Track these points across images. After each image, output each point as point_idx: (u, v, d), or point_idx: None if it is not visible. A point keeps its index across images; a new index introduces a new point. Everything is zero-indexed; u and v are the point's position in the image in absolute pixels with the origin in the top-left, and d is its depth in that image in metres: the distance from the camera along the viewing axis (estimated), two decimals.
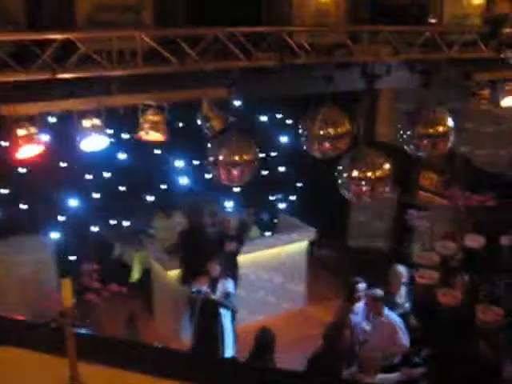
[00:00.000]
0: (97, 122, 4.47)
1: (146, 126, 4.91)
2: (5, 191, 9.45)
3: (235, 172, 5.34)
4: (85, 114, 4.46)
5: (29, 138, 4.30)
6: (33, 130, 4.27)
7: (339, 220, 11.56)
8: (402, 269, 7.70)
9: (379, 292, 7.22)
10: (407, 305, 7.63)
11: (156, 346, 5.66)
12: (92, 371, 2.78)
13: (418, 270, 7.81)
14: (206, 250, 8.20)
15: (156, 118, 4.92)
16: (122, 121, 5.13)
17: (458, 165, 10.48)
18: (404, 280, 7.66)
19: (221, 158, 5.21)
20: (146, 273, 9.66)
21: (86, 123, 4.47)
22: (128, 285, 9.43)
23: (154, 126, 4.90)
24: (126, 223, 10.46)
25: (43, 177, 9.24)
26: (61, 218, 9.82)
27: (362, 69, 5.93)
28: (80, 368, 2.63)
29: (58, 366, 2.72)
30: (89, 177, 9.92)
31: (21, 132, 4.24)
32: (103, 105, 4.47)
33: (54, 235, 9.68)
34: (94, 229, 10.09)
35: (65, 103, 4.29)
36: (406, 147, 6.46)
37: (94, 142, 4.63)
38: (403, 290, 7.69)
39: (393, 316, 7.15)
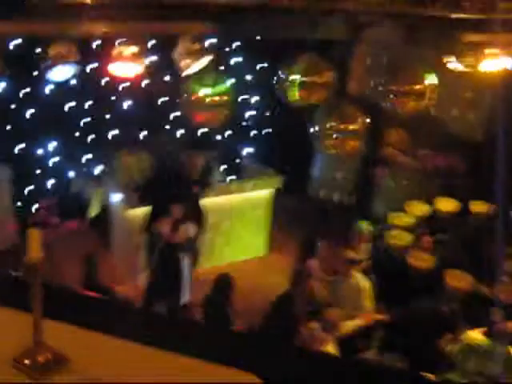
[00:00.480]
0: (64, 50, 4.14)
1: (120, 57, 4.62)
2: None
3: (208, 113, 5.14)
4: (52, 41, 4.13)
5: None
6: None
7: (303, 169, 11.46)
8: (365, 225, 7.66)
9: (352, 254, 7.18)
10: (367, 262, 7.61)
11: (125, 305, 5.49)
12: (57, 329, 2.60)
13: (390, 230, 7.72)
14: (168, 192, 8.01)
15: (132, 51, 4.62)
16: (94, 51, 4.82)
17: (429, 125, 10.40)
18: (366, 237, 7.63)
19: (193, 98, 4.98)
20: (106, 209, 9.41)
21: (53, 51, 4.13)
22: (86, 221, 9.29)
23: (128, 60, 4.62)
24: (86, 157, 10.11)
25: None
26: (17, 148, 9.44)
27: (347, 17, 5.72)
28: (45, 325, 2.45)
29: (20, 322, 2.53)
30: (50, 107, 9.47)
31: None
32: (78, 32, 4.17)
33: (10, 166, 9.33)
34: (53, 161, 9.75)
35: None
36: (381, 103, 6.33)
37: (60, 71, 4.32)
38: (364, 246, 7.66)
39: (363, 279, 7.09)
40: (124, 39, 4.51)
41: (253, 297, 8.53)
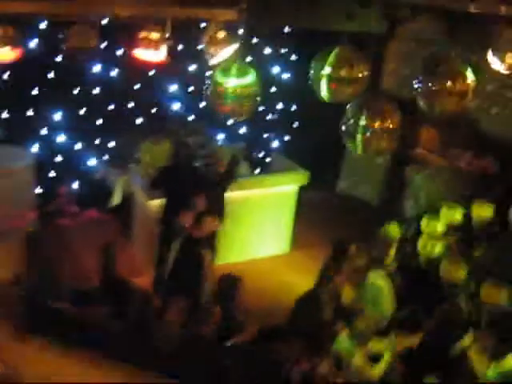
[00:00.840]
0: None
1: (143, 43, 4.38)
2: None
3: (234, 105, 4.89)
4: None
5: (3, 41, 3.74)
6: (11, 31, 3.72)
7: (332, 166, 11.20)
8: (394, 228, 7.37)
9: (360, 261, 6.92)
10: (394, 264, 7.33)
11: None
12: None
13: (420, 236, 7.40)
14: (191, 185, 7.80)
15: (154, 36, 4.38)
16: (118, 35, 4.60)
17: (463, 125, 10.04)
18: (395, 240, 7.34)
19: (220, 89, 4.74)
20: (128, 198, 9.24)
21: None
22: (107, 210, 9.12)
23: (152, 45, 4.38)
24: (111, 144, 9.95)
25: (25, 86, 8.73)
26: (42, 132, 9.32)
27: (385, 9, 5.43)
28: None
29: None
30: (76, 91, 9.31)
31: None
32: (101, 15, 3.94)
33: (34, 148, 9.24)
34: (77, 147, 9.61)
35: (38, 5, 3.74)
36: (417, 100, 6.01)
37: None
38: (392, 249, 7.38)
39: (380, 282, 6.83)
40: (149, 24, 4.29)
41: (273, 295, 8.33)
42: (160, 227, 7.96)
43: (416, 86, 5.84)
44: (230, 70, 4.74)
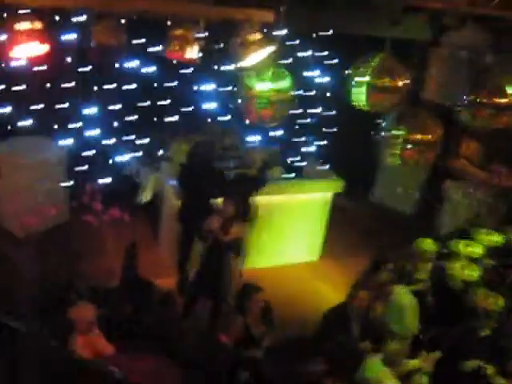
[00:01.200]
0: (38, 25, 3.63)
1: (175, 42, 4.21)
2: (17, 88, 8.84)
3: (267, 110, 4.71)
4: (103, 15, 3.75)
5: (32, 34, 3.60)
6: (38, 25, 3.57)
7: (368, 174, 10.94)
8: (429, 244, 7.07)
9: (382, 275, 6.66)
10: (428, 283, 7.04)
11: None
12: None
13: (454, 258, 7.09)
14: (209, 185, 7.63)
15: (187, 35, 4.20)
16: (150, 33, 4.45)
17: (505, 138, 9.68)
18: (430, 256, 7.05)
19: (254, 93, 4.55)
20: (158, 197, 9.13)
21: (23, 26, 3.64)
22: (136, 206, 9.03)
23: (183, 44, 4.20)
24: (144, 141, 9.85)
25: (60, 79, 8.68)
26: (74, 125, 9.26)
27: (431, 17, 5.17)
28: None
29: None
30: (110, 87, 9.24)
31: (22, 26, 3.54)
32: (130, 8, 3.78)
33: (66, 141, 9.19)
34: (110, 142, 9.53)
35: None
36: (460, 114, 5.76)
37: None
38: (427, 265, 7.09)
39: (403, 298, 6.57)
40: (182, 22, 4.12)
41: (299, 304, 8.13)
42: (178, 227, 7.83)
43: (459, 98, 5.62)
44: (264, 73, 4.54)
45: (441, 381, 5.68)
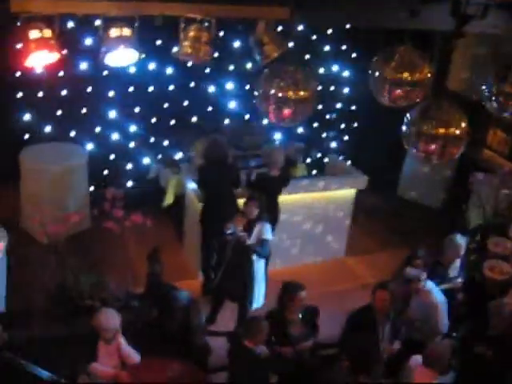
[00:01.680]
0: (127, 32, 3.67)
1: (187, 43, 4.11)
2: (40, 95, 8.86)
3: (287, 110, 4.58)
4: (113, 22, 3.67)
5: (42, 43, 3.53)
6: (48, 33, 3.50)
7: (392, 169, 10.76)
8: (460, 240, 6.86)
9: (410, 272, 6.48)
10: (459, 279, 6.87)
11: None
12: None
13: (489, 260, 6.85)
14: (227, 184, 7.57)
15: (199, 35, 4.09)
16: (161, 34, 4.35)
17: None
18: (461, 253, 6.87)
19: (272, 92, 4.43)
20: (181, 199, 9.07)
21: (114, 33, 3.66)
22: (159, 210, 8.99)
23: (196, 45, 4.10)
24: (165, 143, 9.82)
25: (80, 85, 8.67)
26: (97, 130, 9.26)
27: (453, 6, 4.99)
28: None
29: None
30: (130, 90, 9.21)
31: (33, 35, 3.47)
32: (140, 12, 3.69)
33: (89, 146, 9.20)
34: (131, 145, 9.51)
35: (91, 5, 3.50)
36: (487, 104, 5.59)
37: (121, 55, 3.86)
38: (458, 262, 6.92)
39: (435, 297, 6.41)
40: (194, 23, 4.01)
41: (326, 303, 7.98)
42: (201, 228, 7.75)
43: (485, 88, 5.45)
44: (281, 72, 4.43)
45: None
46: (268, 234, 6.91)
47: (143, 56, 4.20)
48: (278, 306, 6.07)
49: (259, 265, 7.08)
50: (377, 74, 4.81)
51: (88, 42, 7.62)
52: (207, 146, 7.85)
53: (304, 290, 6.01)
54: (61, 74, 8.46)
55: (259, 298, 7.20)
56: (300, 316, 6.05)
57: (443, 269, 6.80)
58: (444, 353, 5.37)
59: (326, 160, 10.07)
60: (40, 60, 3.62)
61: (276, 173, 7.79)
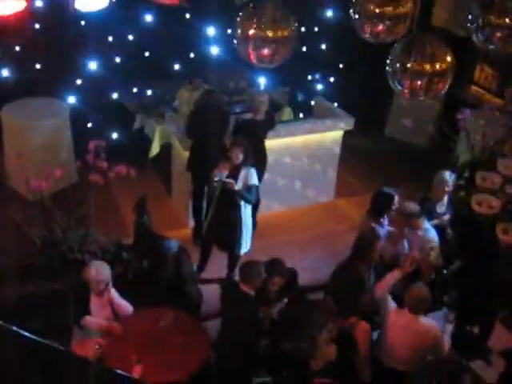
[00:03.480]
0: None
1: None
2: (16, 49, 8.63)
3: (267, 50, 4.46)
4: None
5: None
6: None
7: (379, 108, 10.65)
8: (448, 175, 6.84)
9: (412, 207, 6.47)
10: (447, 216, 6.88)
11: None
12: None
13: (476, 194, 6.82)
14: (220, 130, 7.45)
15: None
16: None
17: None
18: (449, 189, 6.86)
19: (251, 32, 4.30)
20: (167, 148, 8.96)
21: None
22: (146, 160, 8.91)
23: None
24: (148, 92, 9.64)
25: (58, 35, 8.44)
26: (78, 82, 9.06)
27: None
28: None
29: None
30: (110, 38, 8.99)
31: None
32: None
33: (71, 99, 9.03)
34: (114, 96, 9.33)
35: None
36: (474, 37, 5.45)
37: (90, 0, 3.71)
38: (445, 199, 6.91)
39: (431, 233, 6.43)
40: None
41: (315, 246, 8.03)
42: (189, 177, 7.70)
43: (471, 19, 5.30)
44: (259, 11, 4.29)
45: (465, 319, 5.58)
46: (254, 179, 6.85)
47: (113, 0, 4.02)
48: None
49: (247, 210, 7.03)
50: (357, 9, 4.66)
51: None
52: (204, 94, 7.73)
53: (279, 276, 5.87)
54: (35, 25, 8.22)
55: (247, 242, 7.17)
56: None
57: (431, 204, 6.79)
58: (424, 295, 5.42)
59: (312, 103, 9.94)
60: (6, 8, 3.48)
61: (261, 117, 7.68)
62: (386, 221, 6.75)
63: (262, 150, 7.84)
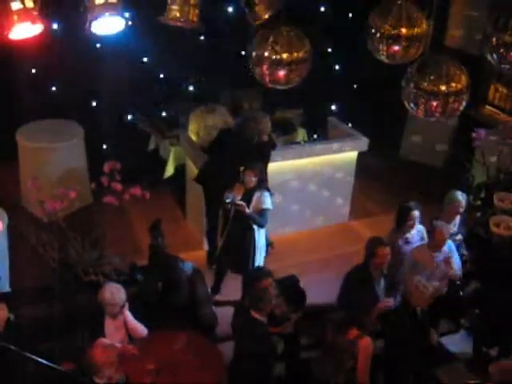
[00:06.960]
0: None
1: (174, 7, 3.98)
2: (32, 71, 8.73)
3: (282, 72, 4.48)
4: None
5: (25, 14, 3.40)
6: (29, 3, 3.38)
7: (394, 128, 10.63)
8: (460, 196, 6.80)
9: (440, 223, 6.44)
10: (459, 236, 6.82)
11: None
12: None
13: (495, 215, 6.75)
14: (236, 154, 7.35)
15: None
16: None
17: None
18: (461, 209, 6.80)
19: (266, 54, 4.31)
20: (181, 169, 8.97)
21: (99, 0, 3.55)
22: (160, 182, 8.93)
23: (185, 8, 3.97)
24: (162, 113, 9.69)
25: (74, 57, 8.52)
26: (93, 104, 9.14)
27: None
28: None
29: None
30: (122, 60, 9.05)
31: (15, 6, 3.34)
32: None
33: (86, 121, 9.08)
34: (128, 117, 9.39)
35: None
36: (488, 57, 5.44)
37: (107, 23, 3.74)
38: (458, 219, 6.86)
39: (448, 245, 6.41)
40: None
41: (329, 268, 7.97)
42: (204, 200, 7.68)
43: (484, 41, 5.29)
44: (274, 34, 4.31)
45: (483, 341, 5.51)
46: (267, 203, 6.82)
47: (130, 23, 4.06)
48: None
49: (260, 233, 7.00)
50: (373, 30, 4.68)
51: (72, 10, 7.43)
52: (243, 119, 7.65)
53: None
54: (51, 48, 8.29)
55: (260, 264, 7.14)
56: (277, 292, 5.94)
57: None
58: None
59: (326, 123, 9.93)
60: (23, 32, 3.51)
61: (265, 138, 7.64)
62: (415, 237, 6.71)
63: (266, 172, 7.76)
